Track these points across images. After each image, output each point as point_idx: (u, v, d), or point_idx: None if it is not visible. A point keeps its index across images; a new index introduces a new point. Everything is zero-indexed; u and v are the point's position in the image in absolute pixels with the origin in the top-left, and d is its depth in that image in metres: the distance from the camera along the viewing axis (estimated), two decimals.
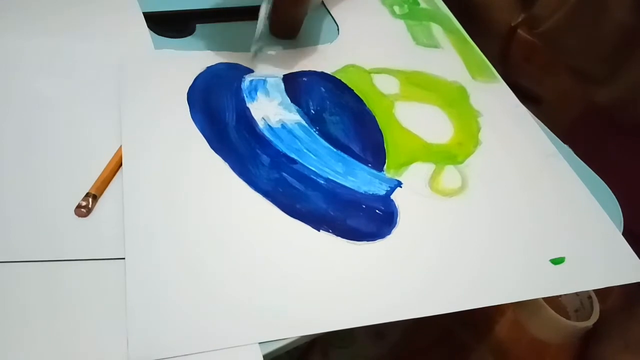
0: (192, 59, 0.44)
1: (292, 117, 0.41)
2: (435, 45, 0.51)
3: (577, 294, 0.71)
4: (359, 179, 0.38)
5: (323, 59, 0.47)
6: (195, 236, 0.33)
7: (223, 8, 0.50)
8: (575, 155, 0.44)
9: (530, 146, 0.44)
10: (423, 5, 0.56)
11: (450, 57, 0.50)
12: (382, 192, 0.37)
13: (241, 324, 0.29)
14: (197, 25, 0.48)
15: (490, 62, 0.51)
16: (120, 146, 0.36)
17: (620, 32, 0.52)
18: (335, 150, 0.40)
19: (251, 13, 0.49)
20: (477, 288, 0.33)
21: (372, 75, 0.46)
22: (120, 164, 0.35)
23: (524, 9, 0.58)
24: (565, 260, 0.36)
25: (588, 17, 0.53)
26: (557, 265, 0.35)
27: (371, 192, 0.37)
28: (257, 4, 0.40)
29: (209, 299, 0.30)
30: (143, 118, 0.38)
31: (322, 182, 0.37)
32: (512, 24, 0.58)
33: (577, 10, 0.53)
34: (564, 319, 0.68)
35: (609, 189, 0.42)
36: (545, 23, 0.56)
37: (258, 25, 0.41)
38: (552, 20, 0.55)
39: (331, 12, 0.53)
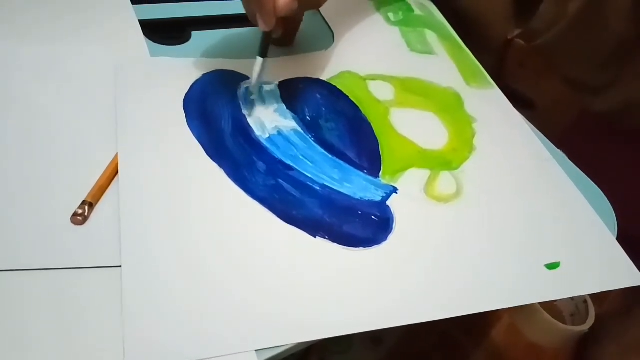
0: (188, 66, 0.44)
1: (288, 123, 0.41)
2: (430, 52, 0.52)
3: (572, 298, 0.71)
4: (355, 185, 0.38)
5: (318, 65, 0.47)
6: (191, 243, 0.33)
7: (219, 15, 0.51)
8: (569, 160, 0.44)
9: (525, 152, 0.44)
10: (417, 12, 0.57)
11: (445, 63, 0.51)
12: (378, 198, 0.38)
13: (238, 331, 0.29)
14: (193, 33, 0.48)
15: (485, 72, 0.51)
16: (116, 154, 0.36)
17: (617, 44, 0.52)
18: (331, 156, 0.40)
19: (247, 20, 0.49)
20: (473, 293, 0.33)
21: (367, 81, 0.46)
22: (117, 172, 0.35)
23: (520, 23, 0.58)
24: (560, 265, 0.36)
25: (586, 30, 0.53)
26: (552, 270, 0.36)
27: (367, 198, 0.37)
28: None
29: (205, 306, 0.30)
30: (139, 125, 0.38)
31: (318, 188, 0.37)
32: (508, 37, 0.58)
33: (576, 23, 0.53)
34: (560, 324, 0.68)
35: (603, 194, 0.42)
36: (542, 37, 0.56)
37: (253, 78, 0.41)
38: (550, 34, 0.55)
39: (326, 19, 0.53)
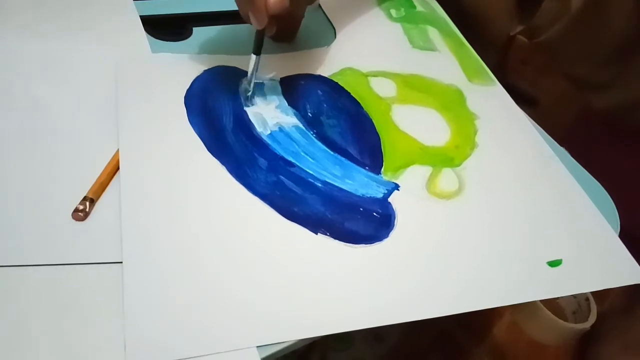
0: (190, 62, 0.44)
1: (290, 120, 0.41)
2: (432, 49, 0.51)
3: (574, 296, 0.71)
4: (357, 182, 0.38)
5: (320, 62, 0.47)
6: (192, 240, 0.33)
7: (220, 11, 0.51)
8: (571, 157, 0.44)
9: (527, 148, 0.44)
10: (419, 8, 0.56)
11: (447, 60, 0.51)
12: (380, 195, 0.37)
13: (239, 327, 0.29)
14: (194, 29, 0.48)
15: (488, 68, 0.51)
16: (118, 150, 0.36)
17: (620, 41, 0.52)
18: (332, 153, 0.40)
19: None
20: (474, 290, 0.33)
21: (369, 78, 0.46)
22: (118, 168, 0.35)
23: (523, 19, 0.57)
24: (562, 262, 0.36)
25: (588, 27, 0.53)
26: (554, 268, 0.35)
27: (369, 195, 0.37)
28: None
29: (207, 302, 0.30)
30: (140, 121, 0.38)
31: (320, 185, 0.37)
32: (511, 34, 0.58)
33: (578, 20, 0.53)
34: (562, 321, 0.68)
35: (605, 191, 0.42)
36: (545, 33, 0.55)
37: (249, 77, 0.41)
38: (552, 31, 0.55)
39: (328, 15, 0.53)
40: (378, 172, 0.39)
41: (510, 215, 0.38)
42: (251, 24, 0.38)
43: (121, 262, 0.31)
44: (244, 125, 0.40)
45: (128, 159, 0.36)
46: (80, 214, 0.32)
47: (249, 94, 0.42)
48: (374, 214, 0.36)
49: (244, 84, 0.43)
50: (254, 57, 0.40)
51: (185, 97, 0.41)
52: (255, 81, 0.43)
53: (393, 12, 0.55)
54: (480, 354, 0.70)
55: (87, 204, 0.33)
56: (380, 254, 0.34)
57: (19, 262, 0.30)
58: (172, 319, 0.29)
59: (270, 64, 0.45)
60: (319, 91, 0.44)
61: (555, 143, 0.45)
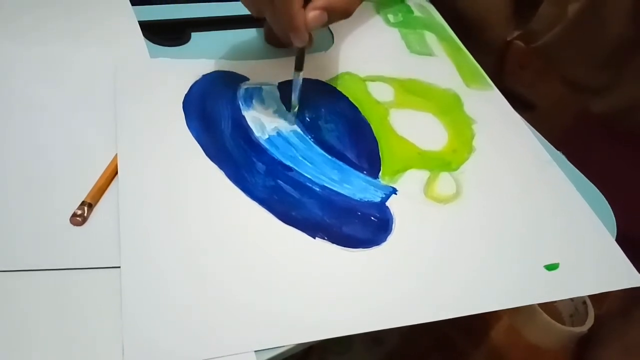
0: (188, 67, 0.44)
1: (288, 125, 0.41)
2: (429, 53, 0.52)
3: (571, 299, 0.71)
4: (354, 186, 0.38)
5: (318, 67, 0.47)
6: (190, 244, 0.33)
7: (218, 16, 0.51)
8: (568, 161, 0.44)
9: (524, 153, 0.44)
10: (417, 13, 0.57)
11: (444, 64, 0.51)
12: (378, 199, 0.38)
13: (237, 332, 0.29)
14: (193, 34, 0.48)
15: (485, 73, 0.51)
16: (116, 154, 0.36)
17: (617, 45, 0.52)
18: (330, 157, 0.40)
19: (246, 21, 0.50)
20: (472, 294, 0.33)
21: (366, 83, 0.47)
22: (116, 173, 0.35)
23: (520, 24, 0.58)
24: (559, 266, 0.36)
25: (585, 31, 0.53)
26: (551, 271, 0.36)
27: (366, 199, 0.37)
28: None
29: (205, 307, 0.30)
30: (139, 126, 0.38)
31: (318, 189, 0.37)
32: (508, 39, 0.58)
33: (575, 25, 0.53)
34: (559, 325, 0.68)
35: (602, 195, 0.42)
36: (542, 38, 0.56)
37: (294, 94, 0.40)
38: (549, 35, 0.55)
39: None
40: (376, 177, 0.39)
41: (507, 219, 0.38)
42: (290, 44, 0.37)
43: (119, 267, 0.31)
44: (242, 130, 0.40)
45: (126, 164, 0.36)
46: (78, 219, 0.32)
47: (296, 109, 0.41)
48: (372, 218, 0.36)
49: (244, 88, 0.43)
50: (296, 73, 0.40)
51: (184, 102, 0.41)
52: (254, 86, 0.43)
53: (391, 17, 0.55)
54: (479, 357, 0.70)
55: (85, 208, 0.33)
56: (378, 258, 0.34)
57: (16, 267, 0.30)
58: (170, 323, 0.29)
59: (268, 69, 0.45)
60: (317, 96, 0.44)
61: (552, 147, 0.46)
